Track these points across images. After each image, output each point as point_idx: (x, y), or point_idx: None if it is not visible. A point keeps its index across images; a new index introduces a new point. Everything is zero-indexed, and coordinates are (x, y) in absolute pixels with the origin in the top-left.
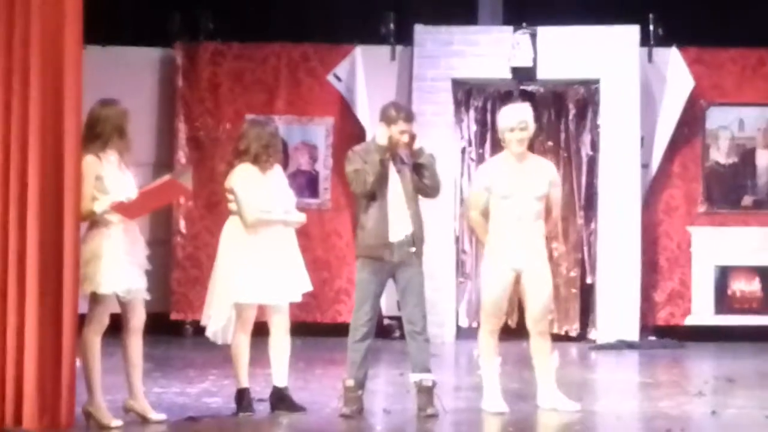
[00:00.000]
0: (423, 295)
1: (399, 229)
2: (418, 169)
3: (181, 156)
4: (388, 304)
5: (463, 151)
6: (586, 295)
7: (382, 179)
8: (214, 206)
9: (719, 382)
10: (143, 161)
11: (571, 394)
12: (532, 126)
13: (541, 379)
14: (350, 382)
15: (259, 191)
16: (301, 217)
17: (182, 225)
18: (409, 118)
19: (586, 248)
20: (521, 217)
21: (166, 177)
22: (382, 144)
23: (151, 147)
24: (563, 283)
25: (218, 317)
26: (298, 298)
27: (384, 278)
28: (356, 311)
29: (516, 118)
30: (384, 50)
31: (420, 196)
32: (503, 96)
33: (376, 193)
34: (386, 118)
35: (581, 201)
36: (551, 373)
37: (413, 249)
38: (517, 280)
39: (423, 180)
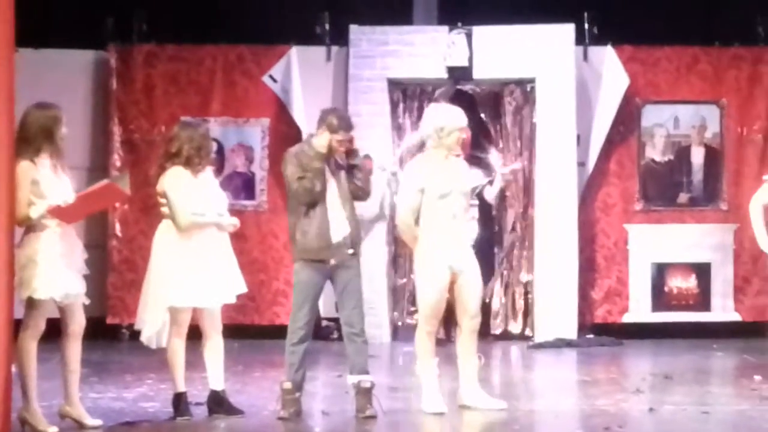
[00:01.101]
0: (361, 297)
1: (337, 231)
2: (351, 170)
3: (116, 159)
4: (326, 306)
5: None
6: (527, 292)
7: (323, 184)
8: (149, 209)
9: (657, 378)
10: (78, 165)
11: (509, 393)
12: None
13: (466, 377)
14: (288, 385)
15: (191, 194)
16: (234, 221)
17: (118, 228)
18: (350, 127)
19: (523, 246)
20: (456, 215)
21: (104, 181)
22: (323, 152)
23: (85, 150)
24: (504, 282)
25: (153, 321)
26: (232, 300)
27: (322, 280)
28: (294, 313)
29: (463, 119)
30: (319, 51)
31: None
32: (439, 97)
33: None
34: (328, 126)
35: (519, 200)
36: (475, 371)
37: (351, 251)
38: (453, 280)
39: (355, 181)
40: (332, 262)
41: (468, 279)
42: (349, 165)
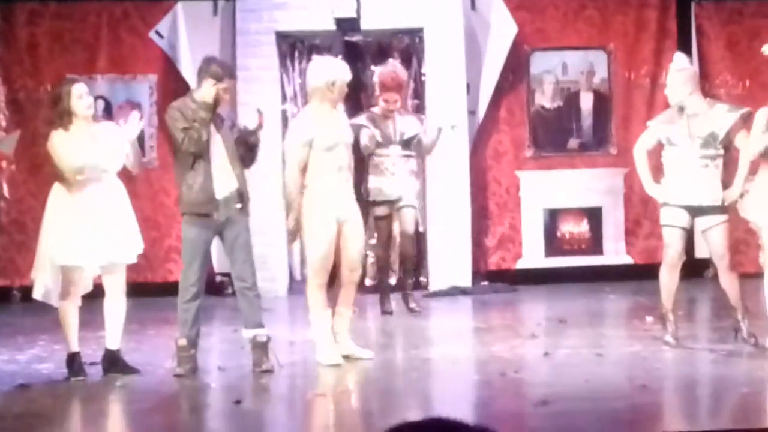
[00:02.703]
0: (251, 251)
1: (224, 186)
2: (249, 145)
3: (1, 119)
4: (220, 261)
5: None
6: (419, 243)
7: (206, 137)
8: (37, 169)
9: (551, 323)
10: None
11: (406, 342)
12: None
13: (340, 326)
14: (183, 342)
15: (80, 150)
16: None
17: (5, 190)
18: (233, 75)
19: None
20: (342, 167)
21: None
22: (209, 102)
23: None
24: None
25: (46, 280)
26: (131, 260)
27: (210, 236)
28: (185, 271)
29: (349, 72)
30: (206, 5)
31: None
32: (328, 48)
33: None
34: (213, 75)
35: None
36: (349, 321)
37: (239, 205)
38: (338, 231)
39: (248, 153)
40: (219, 217)
41: (350, 231)
42: (250, 142)
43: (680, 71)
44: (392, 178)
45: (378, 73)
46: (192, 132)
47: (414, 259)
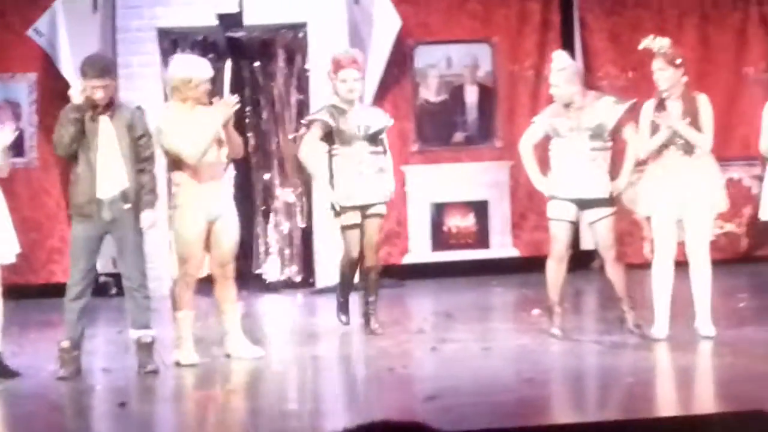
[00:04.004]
0: (140, 252)
1: (111, 185)
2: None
3: None
4: (103, 261)
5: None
6: (306, 240)
7: (80, 137)
8: None
9: (438, 317)
10: None
11: (294, 339)
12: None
13: (229, 325)
14: (66, 344)
15: None
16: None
17: None
18: (104, 72)
19: (302, 193)
20: (212, 163)
21: None
22: (78, 102)
23: None
24: (288, 230)
25: None
26: (8, 260)
27: (96, 235)
28: (70, 270)
29: (209, 70)
30: (85, 2)
31: None
32: (211, 44)
33: (79, 151)
34: (81, 73)
35: (294, 147)
36: (238, 319)
37: (127, 206)
38: (209, 228)
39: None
40: (105, 217)
41: (221, 227)
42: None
43: (562, 70)
44: (360, 179)
45: (331, 56)
46: (54, 135)
47: (378, 273)
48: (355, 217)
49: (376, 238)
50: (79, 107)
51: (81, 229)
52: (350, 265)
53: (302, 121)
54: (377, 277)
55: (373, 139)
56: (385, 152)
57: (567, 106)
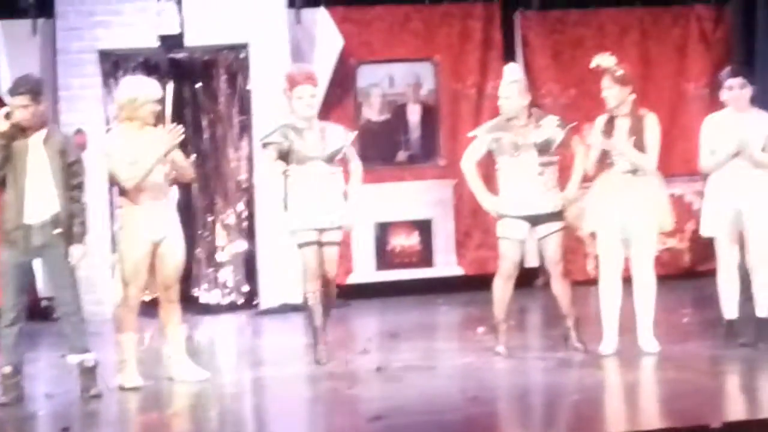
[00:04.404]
0: (72, 275)
1: (41, 210)
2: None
3: None
4: (44, 285)
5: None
6: (250, 261)
7: (5, 164)
8: None
9: (383, 337)
10: None
11: (238, 361)
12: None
13: (173, 348)
14: (6, 369)
15: None
16: None
17: None
18: (31, 91)
19: (245, 215)
20: (157, 184)
21: None
22: (2, 129)
23: None
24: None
25: None
26: None
27: (26, 261)
28: (3, 297)
29: (157, 91)
30: (24, 24)
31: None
32: (153, 66)
33: (8, 176)
34: (9, 93)
35: (237, 168)
36: (182, 342)
37: (58, 230)
38: (153, 250)
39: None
40: (34, 243)
41: (166, 249)
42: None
43: (515, 82)
44: (314, 201)
45: (285, 72)
46: None
47: (332, 306)
48: (310, 236)
49: (332, 274)
50: (3, 134)
51: (10, 256)
52: (310, 284)
53: (260, 141)
54: (330, 306)
55: (332, 159)
56: (349, 172)
57: (510, 120)
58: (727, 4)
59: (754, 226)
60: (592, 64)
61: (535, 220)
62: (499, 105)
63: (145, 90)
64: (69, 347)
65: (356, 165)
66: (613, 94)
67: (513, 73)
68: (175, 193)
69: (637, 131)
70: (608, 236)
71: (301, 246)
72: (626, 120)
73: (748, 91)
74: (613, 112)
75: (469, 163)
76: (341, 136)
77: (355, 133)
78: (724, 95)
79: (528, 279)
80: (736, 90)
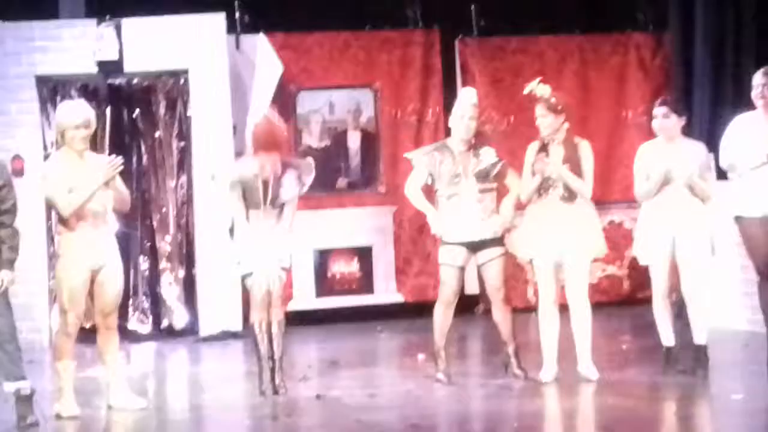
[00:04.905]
0: (6, 303)
1: None
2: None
3: None
4: None
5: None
6: (189, 288)
7: None
8: None
9: (323, 364)
10: None
11: (178, 388)
12: (94, 123)
13: (112, 376)
14: None
15: None
16: None
17: None
18: None
19: (184, 242)
20: (97, 212)
21: None
22: None
23: None
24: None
25: None
26: None
27: None
28: None
29: (82, 116)
30: None
31: None
32: (91, 91)
33: None
34: None
35: (176, 194)
36: (120, 370)
37: None
38: (92, 277)
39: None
40: None
41: (105, 277)
42: None
43: (475, 105)
44: (259, 242)
45: (253, 128)
46: None
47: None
48: (254, 267)
49: (279, 318)
50: None
51: None
52: (259, 311)
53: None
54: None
55: (275, 202)
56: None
57: (453, 144)
58: (665, 32)
59: (687, 254)
60: (525, 91)
61: (475, 247)
62: (452, 126)
63: (79, 114)
64: (4, 375)
65: (289, 210)
66: (547, 122)
67: (472, 95)
68: (114, 220)
69: (571, 159)
70: (543, 263)
71: (245, 277)
72: (560, 148)
73: (673, 121)
74: (546, 140)
75: (413, 188)
76: (293, 185)
77: (311, 178)
78: (653, 124)
79: (468, 306)
80: (659, 119)
